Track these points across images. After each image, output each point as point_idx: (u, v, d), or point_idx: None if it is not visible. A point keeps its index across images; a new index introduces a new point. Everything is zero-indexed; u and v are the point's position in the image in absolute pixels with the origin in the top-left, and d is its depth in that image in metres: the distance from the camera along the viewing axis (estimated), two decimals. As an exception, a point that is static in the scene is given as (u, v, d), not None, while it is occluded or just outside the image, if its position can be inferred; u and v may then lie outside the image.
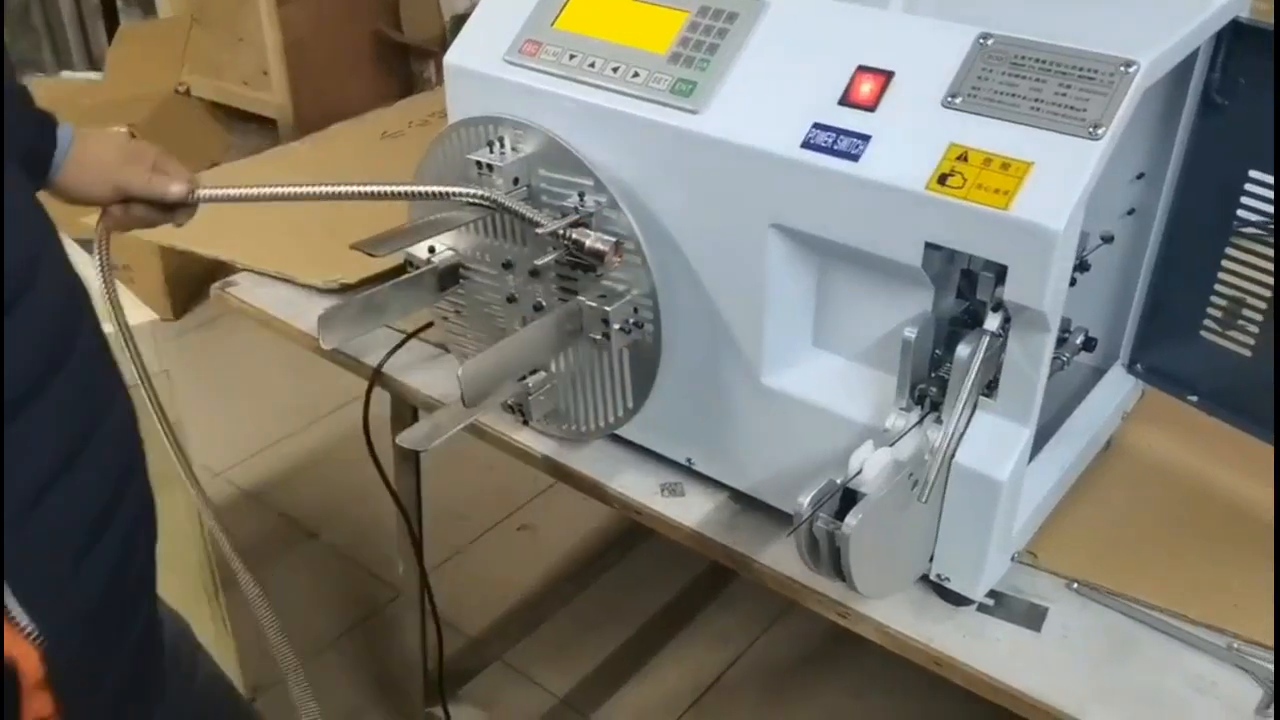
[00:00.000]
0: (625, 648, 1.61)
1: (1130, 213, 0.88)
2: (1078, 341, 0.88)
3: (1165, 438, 0.91)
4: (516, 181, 0.80)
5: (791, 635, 1.65)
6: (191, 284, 2.19)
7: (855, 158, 0.69)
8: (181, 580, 1.27)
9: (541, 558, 1.76)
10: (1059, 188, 0.64)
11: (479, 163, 0.80)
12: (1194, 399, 0.86)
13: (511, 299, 0.87)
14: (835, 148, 0.70)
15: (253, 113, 2.68)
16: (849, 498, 0.67)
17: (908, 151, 0.68)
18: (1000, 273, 0.66)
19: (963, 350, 0.69)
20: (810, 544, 0.67)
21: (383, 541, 1.65)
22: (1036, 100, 0.66)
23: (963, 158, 0.67)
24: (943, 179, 0.67)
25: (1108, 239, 0.87)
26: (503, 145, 0.80)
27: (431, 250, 0.88)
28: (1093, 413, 0.88)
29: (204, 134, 2.22)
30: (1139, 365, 0.91)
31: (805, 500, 0.66)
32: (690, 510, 0.87)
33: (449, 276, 0.89)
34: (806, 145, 0.71)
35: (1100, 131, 0.64)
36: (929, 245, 0.68)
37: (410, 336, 1.02)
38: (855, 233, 0.71)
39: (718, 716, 1.54)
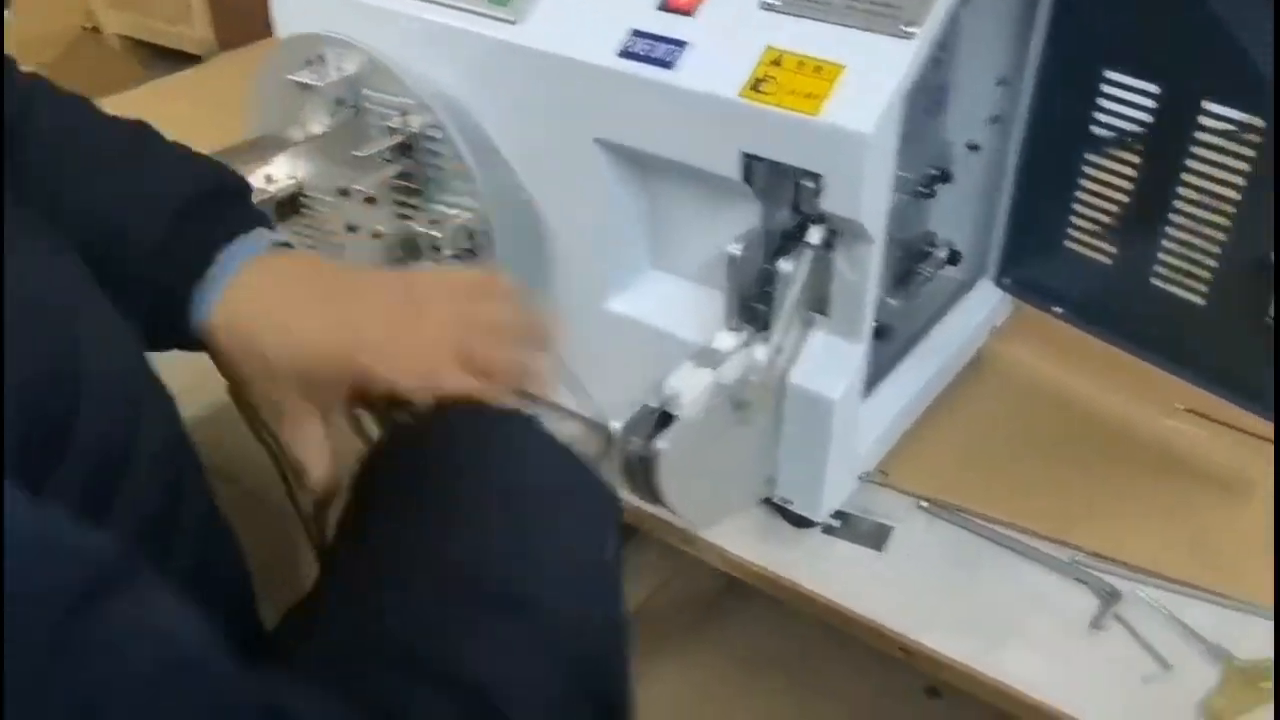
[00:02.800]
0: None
1: (995, 120, 0.84)
2: (942, 255, 0.85)
3: (1033, 353, 0.89)
4: (341, 102, 0.77)
5: (709, 567, 1.64)
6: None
7: (670, 65, 0.66)
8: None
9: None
10: (869, 90, 0.60)
11: (300, 83, 0.76)
12: (1059, 310, 0.84)
13: (352, 228, 0.84)
14: (651, 55, 0.67)
15: (175, 49, 2.60)
16: (664, 420, 0.65)
17: (724, 57, 0.65)
18: (818, 182, 0.64)
19: (785, 266, 0.67)
20: (626, 468, 0.65)
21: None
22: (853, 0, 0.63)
23: (776, 62, 0.64)
24: (756, 85, 0.63)
25: (973, 147, 0.85)
26: (324, 64, 0.77)
27: (269, 178, 0.85)
28: (954, 328, 0.85)
29: (119, 74, 2.15)
30: (1006, 279, 0.88)
31: (618, 425, 0.64)
32: (547, 440, 0.85)
33: (289, 206, 0.85)
34: (624, 54, 0.67)
35: (912, 30, 0.61)
36: (747, 156, 0.65)
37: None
38: (675, 146, 0.68)
39: (641, 644, 1.53)
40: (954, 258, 0.86)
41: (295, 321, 0.53)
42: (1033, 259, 0.86)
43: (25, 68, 2.05)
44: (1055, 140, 0.81)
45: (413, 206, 0.79)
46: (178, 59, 2.65)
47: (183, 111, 1.37)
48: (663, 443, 0.62)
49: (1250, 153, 0.68)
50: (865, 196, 0.62)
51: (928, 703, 1.48)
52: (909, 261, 0.83)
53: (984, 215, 0.87)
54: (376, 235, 0.82)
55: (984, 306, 0.88)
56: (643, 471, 0.64)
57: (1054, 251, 0.83)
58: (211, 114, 1.31)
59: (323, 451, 0.55)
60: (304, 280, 0.56)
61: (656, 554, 1.67)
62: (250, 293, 0.54)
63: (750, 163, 0.65)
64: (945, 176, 0.82)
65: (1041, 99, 0.81)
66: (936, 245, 0.85)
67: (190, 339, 0.54)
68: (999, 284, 0.88)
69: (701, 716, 1.46)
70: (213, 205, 0.56)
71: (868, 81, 0.61)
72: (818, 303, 0.69)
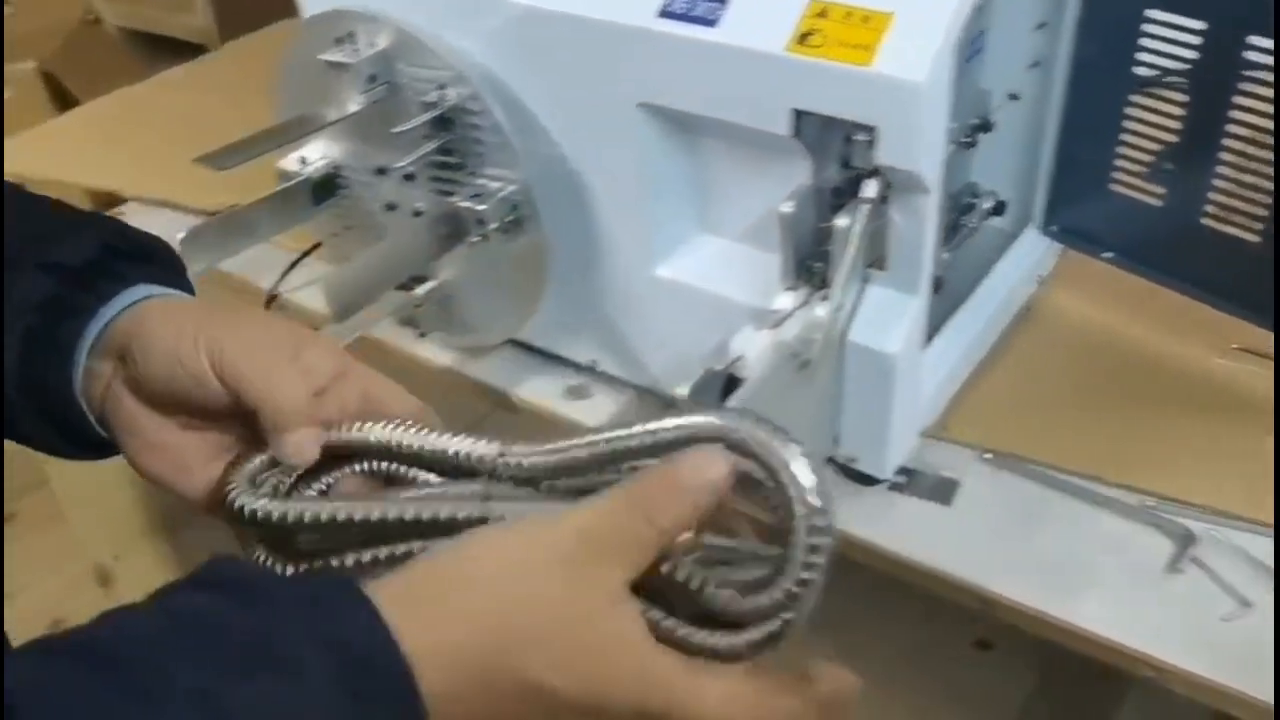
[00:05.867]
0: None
1: (1035, 66, 0.83)
2: (986, 206, 0.84)
3: (1082, 299, 0.88)
4: (374, 79, 0.76)
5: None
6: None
7: (713, 22, 0.65)
8: (118, 525, 1.25)
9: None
10: (920, 38, 0.59)
11: (331, 62, 0.75)
12: (1108, 255, 0.83)
13: (391, 206, 0.83)
14: (692, 14, 0.65)
15: (176, 39, 2.58)
16: (731, 384, 0.64)
17: (767, 12, 0.64)
18: (872, 135, 0.62)
19: (841, 221, 0.66)
20: (693, 435, 0.64)
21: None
22: (900, -55, 0.62)
23: (822, 14, 0.62)
24: (803, 38, 0.62)
25: (1013, 95, 0.83)
26: (354, 41, 0.76)
27: (303, 160, 0.84)
28: (1003, 278, 0.84)
29: (120, 67, 2.14)
30: (1053, 226, 0.87)
31: (684, 391, 0.63)
32: (597, 411, 0.84)
33: (324, 188, 0.85)
34: (665, 14, 0.66)
35: (963, -27, 0.60)
36: (797, 111, 0.64)
37: (304, 255, 0.98)
38: (721, 105, 0.67)
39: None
40: (999, 208, 0.85)
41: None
42: (1079, 205, 0.85)
43: (27, 62, 2.02)
44: (1098, 83, 0.80)
45: (453, 182, 0.78)
46: (177, 49, 2.64)
47: (193, 102, 1.35)
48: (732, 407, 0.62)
49: (1304, 83, 0.67)
50: (921, 146, 0.61)
51: (977, 655, 1.48)
52: (954, 214, 0.82)
53: (1027, 163, 0.86)
54: (417, 213, 0.81)
55: (1030, 256, 0.87)
56: (711, 437, 0.63)
57: (1100, 196, 0.82)
58: (222, 103, 1.30)
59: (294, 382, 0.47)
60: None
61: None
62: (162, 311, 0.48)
63: (800, 118, 0.64)
64: (986, 126, 0.81)
65: (1082, 42, 0.80)
66: (980, 196, 0.84)
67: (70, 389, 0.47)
68: (1045, 232, 0.87)
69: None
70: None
71: (917, 29, 0.60)
72: (874, 257, 0.69)
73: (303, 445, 0.46)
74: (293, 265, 0.97)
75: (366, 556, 0.44)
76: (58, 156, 1.24)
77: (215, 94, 1.34)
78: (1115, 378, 0.82)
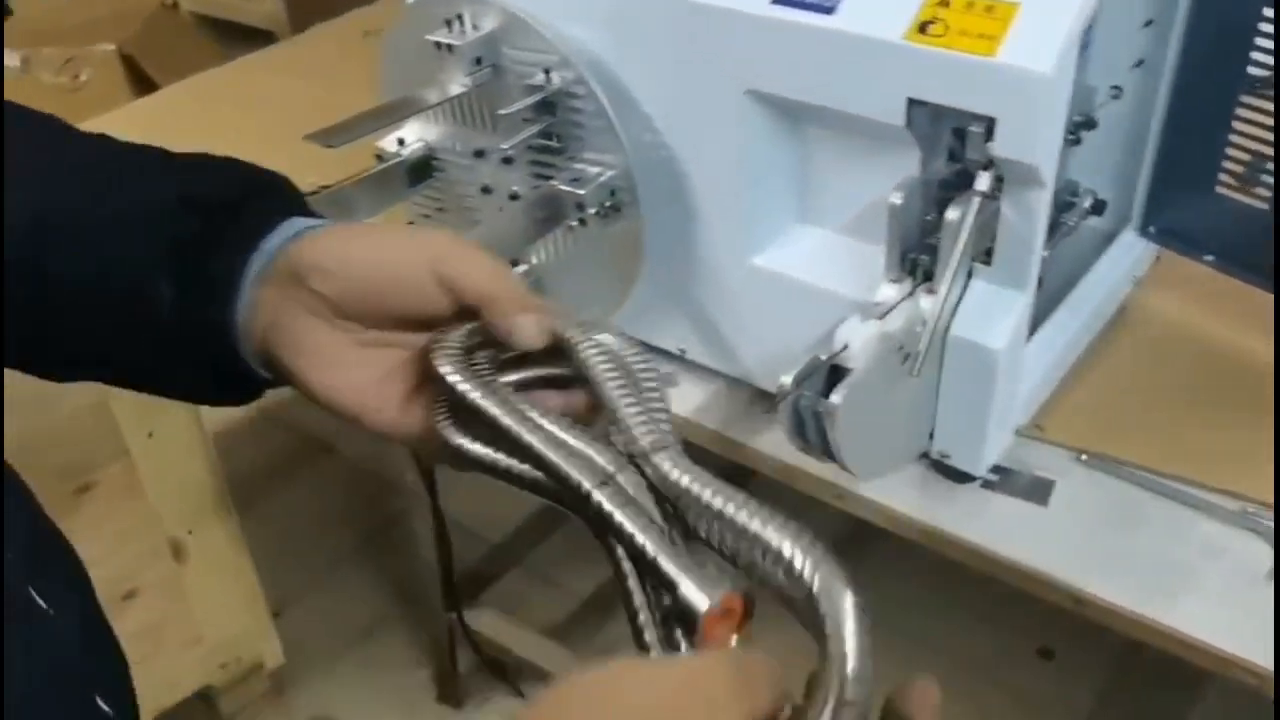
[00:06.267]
0: (645, 547, 1.60)
1: (1139, 64, 0.82)
2: (1085, 205, 0.83)
3: (1179, 301, 0.87)
4: (480, 61, 0.76)
5: (810, 527, 1.64)
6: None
7: (829, 10, 0.64)
8: (193, 500, 1.27)
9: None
10: (1047, 29, 0.59)
11: (438, 43, 0.75)
12: (1210, 259, 0.82)
13: (487, 189, 0.83)
14: (808, 1, 0.65)
15: (247, 25, 2.62)
16: (835, 374, 0.64)
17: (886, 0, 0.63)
18: (989, 127, 0.62)
19: (952, 214, 0.65)
20: (796, 423, 0.64)
21: (400, 452, 1.64)
22: (1024, -65, 0.61)
23: (944, 3, 0.62)
24: (923, 27, 0.62)
25: (1116, 93, 0.82)
26: (462, 23, 0.76)
27: (401, 142, 0.85)
28: (1101, 279, 0.83)
29: (196, 51, 2.17)
30: (1151, 227, 0.86)
31: (788, 379, 0.63)
32: (685, 400, 0.85)
33: (421, 169, 0.85)
34: (778, 0, 0.66)
35: (1091, -36, 0.59)
36: (912, 101, 0.63)
37: (392, 237, 0.98)
38: (833, 93, 0.66)
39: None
40: (1098, 207, 0.83)
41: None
42: (1180, 207, 0.84)
43: (107, 44, 2.04)
44: (1207, 82, 0.79)
45: (552, 166, 0.78)
46: (247, 35, 2.68)
47: (275, 85, 1.37)
48: (838, 397, 0.61)
49: None
50: (1041, 140, 0.61)
51: (1040, 664, 1.47)
52: (1054, 211, 0.81)
53: (1127, 163, 0.85)
54: (513, 196, 0.82)
55: (1128, 257, 0.86)
56: (817, 427, 0.63)
57: (1204, 198, 0.81)
58: (303, 87, 1.31)
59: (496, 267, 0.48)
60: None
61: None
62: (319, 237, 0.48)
63: (913, 108, 0.64)
64: (1090, 123, 0.80)
65: (1192, 40, 0.78)
66: (1080, 195, 0.83)
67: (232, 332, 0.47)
68: (1143, 233, 0.86)
69: (804, 672, 1.46)
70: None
71: (1044, 20, 0.59)
72: (979, 251, 0.68)
73: (536, 328, 0.47)
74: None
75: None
76: (146, 136, 1.26)
77: (295, 78, 1.36)
78: (1211, 381, 0.81)
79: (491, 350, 0.49)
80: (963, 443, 0.72)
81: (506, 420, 0.44)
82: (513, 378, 0.48)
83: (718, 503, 0.38)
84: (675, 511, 0.40)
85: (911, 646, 1.47)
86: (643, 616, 0.38)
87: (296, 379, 0.48)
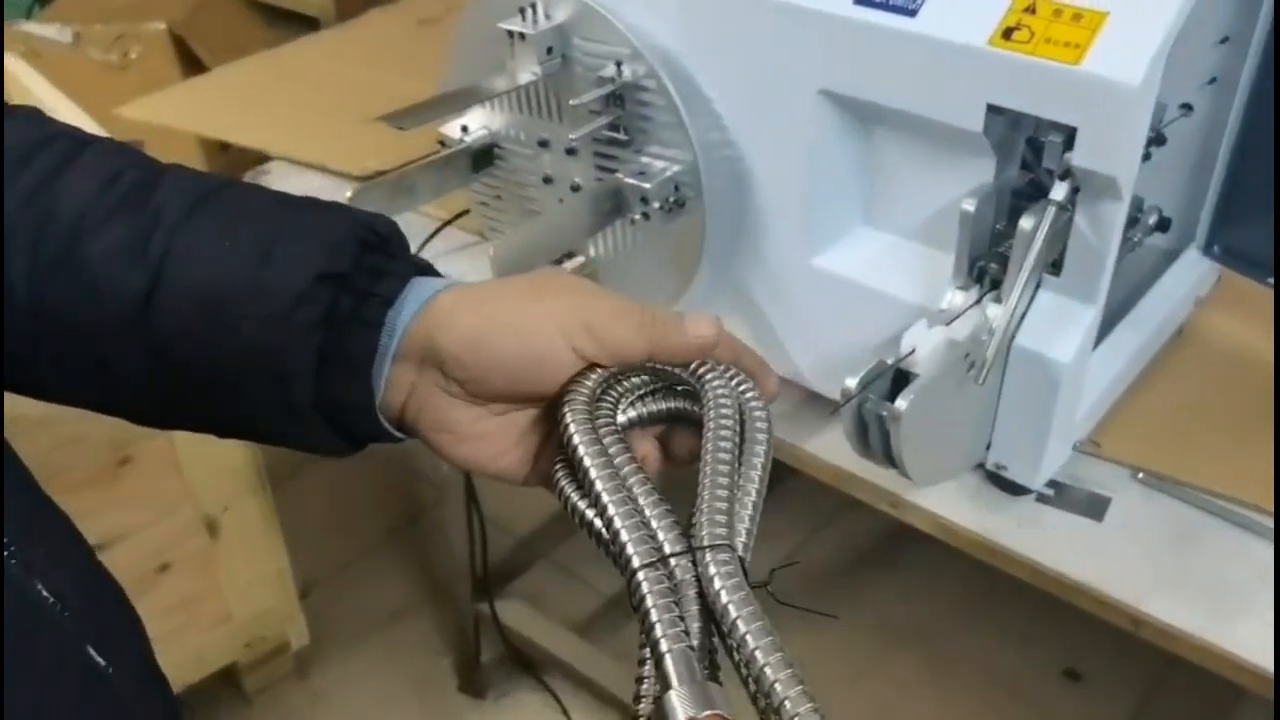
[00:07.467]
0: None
1: (1212, 81, 0.81)
2: (1151, 221, 0.82)
3: (1241, 323, 0.86)
4: (550, 51, 0.76)
5: (841, 537, 1.63)
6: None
7: (912, 12, 0.64)
8: (230, 478, 1.27)
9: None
10: (1136, 40, 0.58)
11: (510, 31, 0.75)
12: (1273, 281, 0.81)
13: (548, 180, 0.83)
14: (892, 3, 0.65)
15: (294, 11, 2.63)
16: (900, 379, 0.64)
17: (970, 4, 0.63)
18: (1069, 136, 0.61)
19: (1026, 223, 0.64)
20: (859, 427, 0.64)
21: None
22: (1114, -56, 0.61)
23: (1030, 9, 0.61)
24: (1008, 33, 0.61)
25: (1187, 110, 0.81)
26: (535, 12, 0.76)
27: (464, 130, 0.85)
28: (1164, 297, 0.83)
29: (244, 34, 2.18)
30: (1215, 247, 0.85)
31: (853, 382, 0.62)
32: (735, 399, 0.84)
33: (483, 157, 0.85)
34: (861, 1, 0.66)
35: (1183, -25, 0.58)
36: (991, 108, 0.63)
37: (447, 223, 0.98)
38: (911, 96, 0.66)
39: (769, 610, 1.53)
40: (1163, 224, 0.83)
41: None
42: (1247, 228, 0.83)
43: (158, 23, 2.04)
44: (1281, 103, 0.78)
45: (616, 158, 0.78)
46: (291, 20, 2.69)
47: (331, 70, 1.37)
48: (903, 402, 0.61)
49: None
50: (1123, 151, 0.60)
51: (1066, 685, 1.46)
52: (1119, 226, 0.81)
53: (1194, 181, 0.84)
54: (575, 187, 0.81)
55: (1190, 276, 0.85)
56: (880, 431, 0.62)
57: (1270, 220, 0.80)
58: (361, 72, 1.32)
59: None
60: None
61: (786, 522, 1.67)
62: (453, 303, 0.47)
63: (991, 115, 0.63)
64: (1159, 139, 0.79)
65: (1269, 59, 0.78)
66: (1145, 211, 0.82)
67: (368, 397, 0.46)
68: (1207, 253, 0.85)
69: (830, 681, 1.46)
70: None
71: (1134, 29, 0.58)
72: (1052, 264, 0.67)
73: (712, 328, 0.51)
74: (437, 231, 0.98)
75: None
76: (200, 114, 1.27)
77: (347, 63, 1.36)
78: (1270, 405, 0.80)
79: (629, 383, 0.49)
80: (1021, 455, 0.72)
81: (594, 475, 0.44)
82: (640, 411, 0.49)
83: (740, 626, 0.39)
84: (712, 613, 0.40)
85: (939, 664, 1.47)
86: (644, 687, 0.40)
87: (437, 450, 0.48)
